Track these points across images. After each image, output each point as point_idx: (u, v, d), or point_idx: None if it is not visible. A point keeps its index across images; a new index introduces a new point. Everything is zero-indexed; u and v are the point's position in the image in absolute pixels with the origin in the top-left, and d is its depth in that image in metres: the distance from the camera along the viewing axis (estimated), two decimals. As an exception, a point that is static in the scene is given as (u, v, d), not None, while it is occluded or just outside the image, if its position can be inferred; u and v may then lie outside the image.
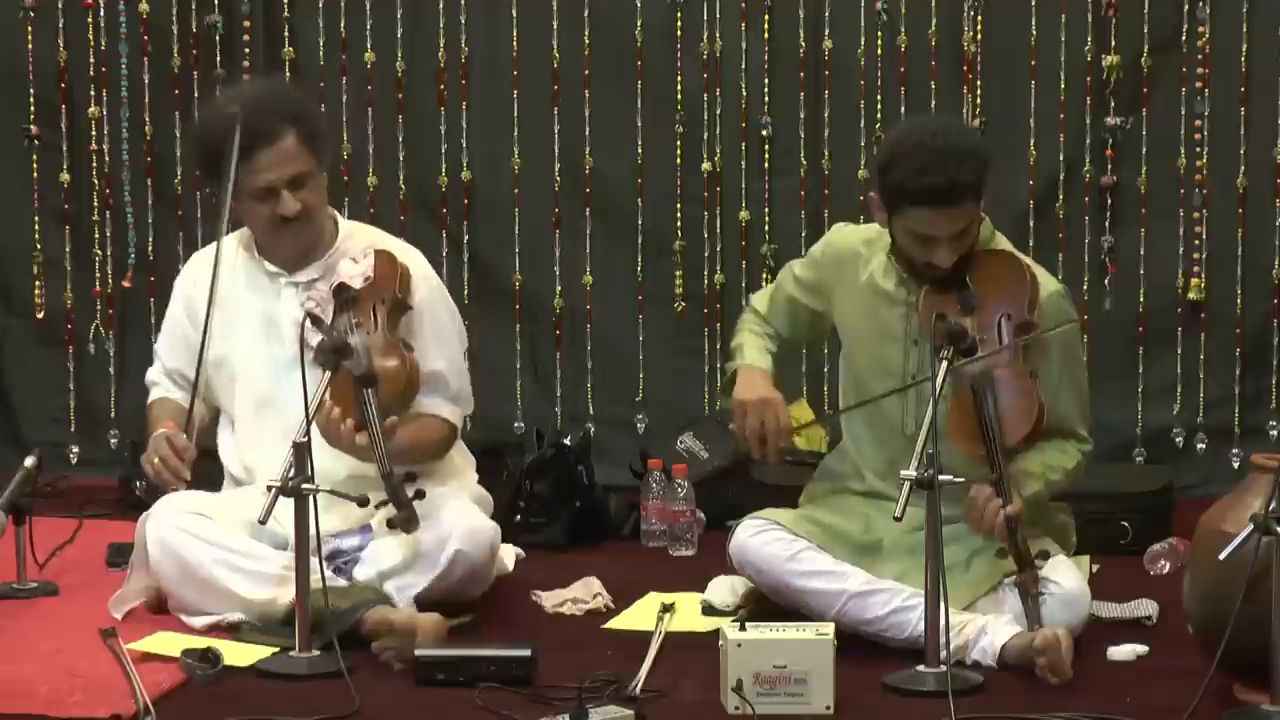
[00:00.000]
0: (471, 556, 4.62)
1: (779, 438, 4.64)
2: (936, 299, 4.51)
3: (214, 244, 4.91)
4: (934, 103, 6.19)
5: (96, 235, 6.53)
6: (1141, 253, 6.21)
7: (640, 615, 4.79)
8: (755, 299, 4.94)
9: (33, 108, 6.49)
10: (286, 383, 4.68)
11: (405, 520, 4.52)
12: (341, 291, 4.75)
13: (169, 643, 4.40)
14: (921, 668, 4.22)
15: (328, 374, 4.50)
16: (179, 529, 4.62)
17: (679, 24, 6.30)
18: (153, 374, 5.05)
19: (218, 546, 4.60)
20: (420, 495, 4.51)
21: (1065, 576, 4.44)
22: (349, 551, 4.71)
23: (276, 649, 4.41)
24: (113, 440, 6.55)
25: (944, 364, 4.31)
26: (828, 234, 4.87)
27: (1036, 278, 4.57)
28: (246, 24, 6.43)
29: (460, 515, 4.65)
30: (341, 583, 4.58)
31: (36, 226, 6.53)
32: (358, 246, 4.87)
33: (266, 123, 4.73)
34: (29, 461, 4.99)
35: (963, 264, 4.53)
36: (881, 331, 4.65)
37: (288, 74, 6.41)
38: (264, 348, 4.85)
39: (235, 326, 4.86)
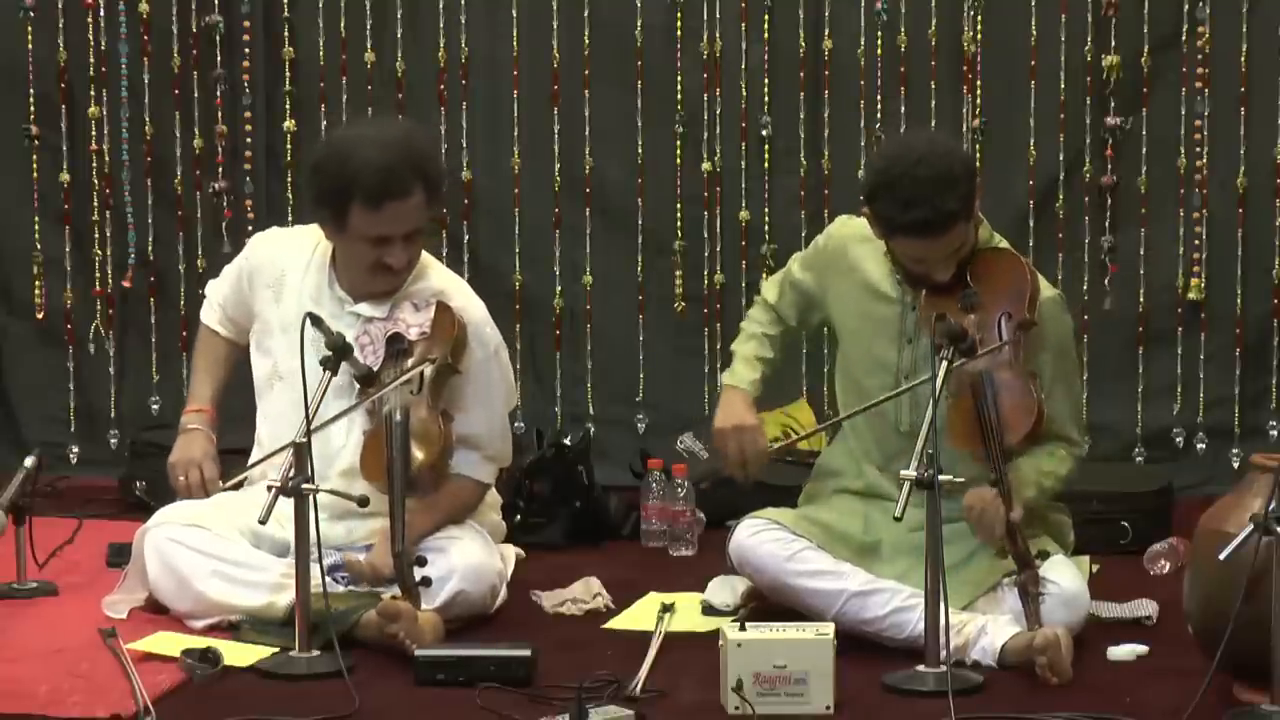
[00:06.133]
0: (471, 596, 4.61)
1: (757, 461, 4.71)
2: (937, 299, 4.51)
3: (301, 228, 4.84)
4: (934, 103, 6.19)
5: (96, 235, 6.53)
6: (1141, 253, 6.21)
7: (640, 615, 4.79)
8: (765, 287, 4.91)
9: (33, 108, 6.48)
10: (327, 411, 4.54)
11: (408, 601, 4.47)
12: (395, 341, 4.70)
13: (169, 643, 4.40)
14: (921, 668, 4.22)
15: (328, 374, 4.49)
16: (173, 541, 4.61)
17: (679, 24, 6.30)
18: (208, 305, 5.03)
19: (213, 558, 4.59)
20: (426, 583, 4.46)
21: (1065, 576, 4.44)
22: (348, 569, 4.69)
23: (276, 649, 4.41)
24: (113, 440, 6.55)
25: (944, 364, 4.32)
26: (830, 226, 4.85)
27: (1036, 275, 4.58)
28: (246, 24, 6.43)
29: (465, 554, 4.63)
30: (340, 589, 4.58)
31: (36, 226, 6.53)
32: (426, 290, 4.79)
33: (400, 178, 4.60)
34: (29, 461, 4.98)
35: (962, 265, 4.54)
36: (875, 328, 4.66)
37: (287, 74, 6.42)
38: (310, 364, 4.55)
39: (288, 328, 4.69)
